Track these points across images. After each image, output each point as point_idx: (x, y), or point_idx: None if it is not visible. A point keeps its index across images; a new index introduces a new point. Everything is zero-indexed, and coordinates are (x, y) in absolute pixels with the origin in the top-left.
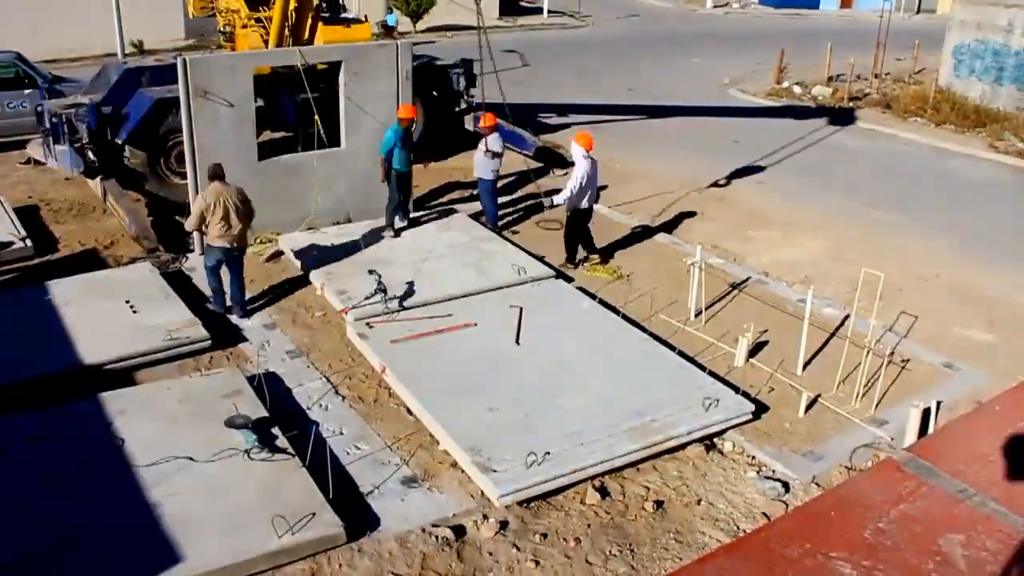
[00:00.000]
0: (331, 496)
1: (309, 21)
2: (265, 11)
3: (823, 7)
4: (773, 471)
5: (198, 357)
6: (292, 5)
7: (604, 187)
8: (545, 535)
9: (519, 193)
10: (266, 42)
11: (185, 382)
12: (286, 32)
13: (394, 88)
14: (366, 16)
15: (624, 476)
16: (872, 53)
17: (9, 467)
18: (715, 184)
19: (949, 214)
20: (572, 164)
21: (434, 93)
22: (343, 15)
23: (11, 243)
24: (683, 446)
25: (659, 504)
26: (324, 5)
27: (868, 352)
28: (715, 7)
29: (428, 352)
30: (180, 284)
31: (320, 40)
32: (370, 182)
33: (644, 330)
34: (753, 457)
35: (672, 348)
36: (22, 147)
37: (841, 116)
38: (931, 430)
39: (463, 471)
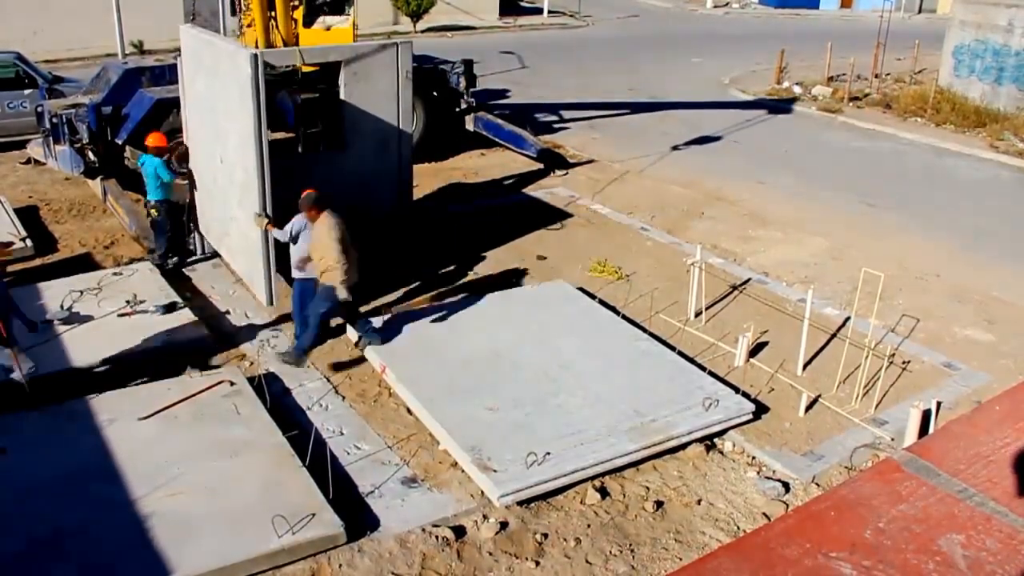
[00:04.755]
0: (331, 496)
1: (286, 19)
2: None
3: (823, 7)
4: (773, 471)
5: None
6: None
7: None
8: (545, 535)
9: (519, 194)
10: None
11: (185, 382)
12: (274, 32)
13: (394, 88)
14: (355, 22)
15: (624, 476)
16: (872, 53)
17: (9, 467)
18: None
19: (949, 214)
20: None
21: (434, 93)
22: (327, 20)
23: (11, 243)
24: (683, 446)
25: (659, 504)
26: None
27: (868, 352)
28: (715, 7)
29: (428, 352)
30: (181, 284)
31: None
32: (371, 182)
33: (644, 330)
34: (753, 457)
35: (672, 348)
36: (22, 147)
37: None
38: (931, 430)
39: (463, 471)
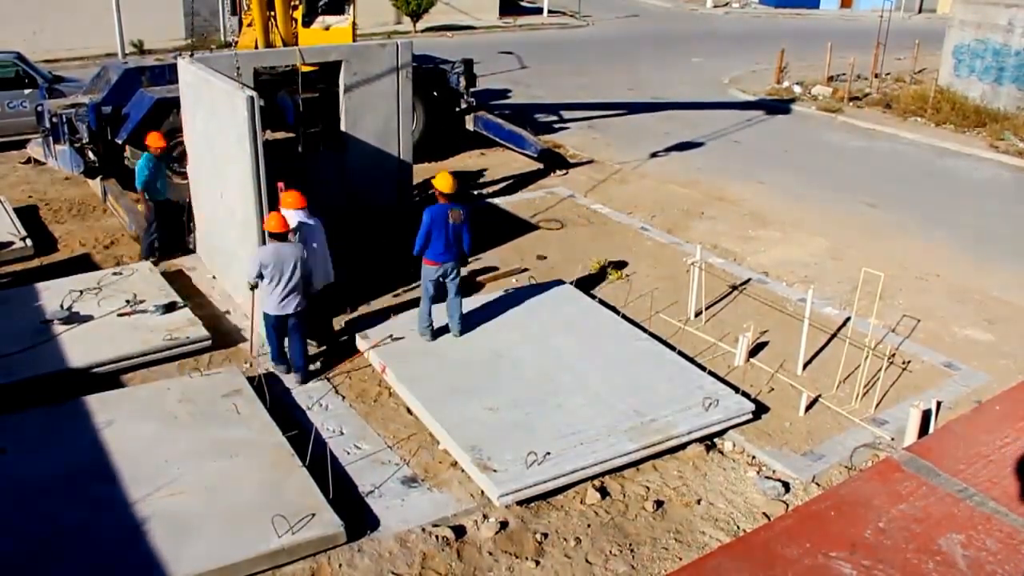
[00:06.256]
0: (331, 496)
1: (285, 19)
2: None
3: (823, 7)
4: (773, 471)
5: (198, 357)
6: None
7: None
8: (545, 535)
9: (520, 194)
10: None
11: (185, 382)
12: (274, 31)
13: (394, 88)
14: (355, 22)
15: (624, 476)
16: (872, 53)
17: (9, 467)
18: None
19: (949, 214)
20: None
21: (434, 93)
22: (327, 20)
23: (11, 243)
24: (683, 446)
25: (659, 504)
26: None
27: (868, 352)
28: (715, 7)
29: (428, 352)
30: (181, 284)
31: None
32: (370, 182)
33: (644, 330)
34: (753, 457)
35: (672, 348)
36: (22, 147)
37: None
38: (931, 430)
39: (463, 471)
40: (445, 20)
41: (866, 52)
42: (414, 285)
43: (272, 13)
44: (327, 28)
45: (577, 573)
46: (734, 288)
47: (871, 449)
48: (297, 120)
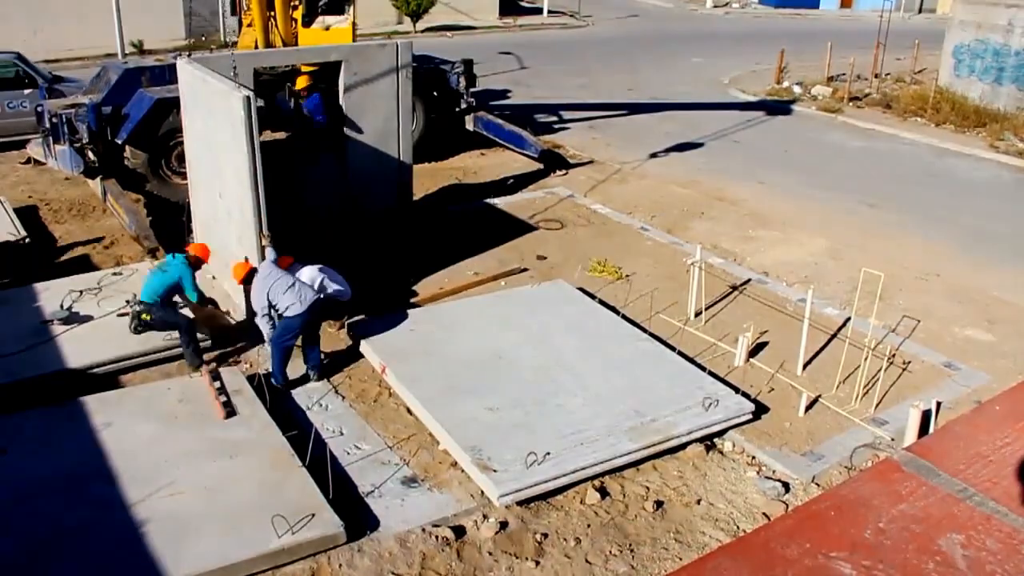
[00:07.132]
0: (331, 496)
1: (285, 19)
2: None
3: (823, 7)
4: (773, 471)
5: None
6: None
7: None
8: (545, 535)
9: (520, 194)
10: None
11: (185, 382)
12: (273, 31)
13: (394, 88)
14: (355, 22)
15: (624, 476)
16: (872, 53)
17: (9, 467)
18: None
19: (949, 214)
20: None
21: (434, 93)
22: (327, 20)
23: (11, 243)
24: (683, 446)
25: (659, 504)
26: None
27: (868, 353)
28: (715, 7)
29: (428, 352)
30: None
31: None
32: (370, 182)
33: (644, 330)
34: (753, 457)
35: (672, 348)
36: (22, 147)
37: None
38: (931, 430)
39: (463, 471)
40: (445, 20)
41: (866, 52)
42: (413, 285)
43: (272, 13)
44: (327, 28)
45: (577, 573)
46: (734, 288)
47: (871, 449)
48: (297, 120)
